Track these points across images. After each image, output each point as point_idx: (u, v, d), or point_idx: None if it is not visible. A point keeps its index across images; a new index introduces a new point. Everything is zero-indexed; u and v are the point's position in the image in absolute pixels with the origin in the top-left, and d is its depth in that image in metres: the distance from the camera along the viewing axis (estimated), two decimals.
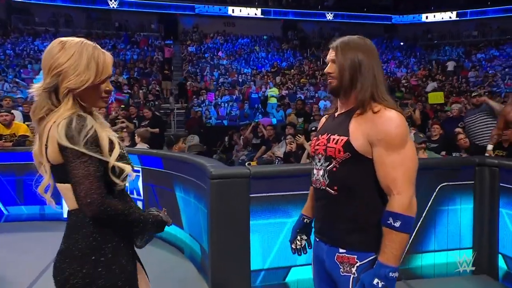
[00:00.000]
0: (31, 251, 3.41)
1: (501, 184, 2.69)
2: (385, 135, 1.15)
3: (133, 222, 1.13)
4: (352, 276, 1.21)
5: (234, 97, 12.60)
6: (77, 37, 1.17)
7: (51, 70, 1.09)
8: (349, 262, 1.22)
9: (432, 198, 2.78)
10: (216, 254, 2.53)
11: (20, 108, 7.44)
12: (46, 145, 1.09)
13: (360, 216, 1.23)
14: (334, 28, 20.56)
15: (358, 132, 1.20)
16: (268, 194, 2.57)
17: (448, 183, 2.77)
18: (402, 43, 20.58)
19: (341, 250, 1.23)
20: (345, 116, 1.27)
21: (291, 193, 2.59)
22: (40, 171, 1.15)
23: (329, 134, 1.28)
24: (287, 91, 13.31)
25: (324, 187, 1.27)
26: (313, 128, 5.10)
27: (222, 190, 2.47)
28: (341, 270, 1.23)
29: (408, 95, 11.49)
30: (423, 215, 2.78)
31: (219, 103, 12.15)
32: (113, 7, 18.48)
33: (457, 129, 4.55)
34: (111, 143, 1.11)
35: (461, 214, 2.87)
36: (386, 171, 1.17)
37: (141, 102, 11.01)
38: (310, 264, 2.61)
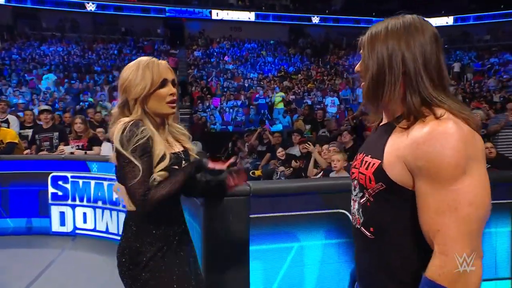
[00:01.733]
0: (11, 271, 3.10)
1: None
2: (428, 162, 0.78)
3: (181, 186, 1.22)
4: None
5: (240, 102, 12.31)
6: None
7: (121, 88, 1.28)
8: None
9: None
10: (210, 284, 2.17)
11: (21, 113, 7.21)
12: (113, 147, 1.24)
13: (398, 267, 0.87)
14: (341, 32, 20.25)
15: (394, 154, 0.83)
16: (271, 215, 2.21)
17: None
18: None
19: None
20: (385, 129, 0.90)
21: (298, 213, 2.23)
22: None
23: (364, 154, 0.94)
24: (294, 96, 12.98)
25: (359, 226, 0.95)
26: (323, 134, 4.75)
27: (217, 210, 2.11)
28: None
29: None
30: None
31: (224, 108, 11.86)
32: (91, 9, 18.09)
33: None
34: (163, 156, 1.22)
35: (497, 238, 2.46)
36: (429, 216, 0.79)
37: None
38: None
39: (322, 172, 3.61)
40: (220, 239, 2.14)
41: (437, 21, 20.85)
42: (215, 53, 17.19)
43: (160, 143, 1.23)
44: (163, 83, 1.27)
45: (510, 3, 18.37)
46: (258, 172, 5.06)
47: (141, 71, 1.25)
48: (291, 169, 4.24)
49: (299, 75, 15.61)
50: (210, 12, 19.57)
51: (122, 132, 1.18)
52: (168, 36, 18.63)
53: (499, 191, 2.44)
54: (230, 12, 19.79)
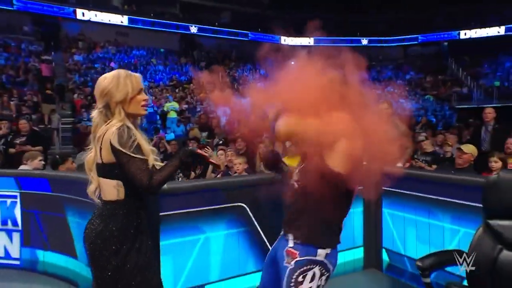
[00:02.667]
0: None
1: (384, 188, 3.14)
2: None
3: (176, 169, 1.52)
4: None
5: None
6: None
7: (102, 94, 1.53)
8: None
9: None
10: None
11: None
12: (100, 147, 1.48)
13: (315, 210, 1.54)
14: (232, 44, 21.34)
15: None
16: (179, 211, 2.46)
17: None
18: None
19: None
20: None
21: (203, 208, 2.54)
22: (90, 177, 1.62)
23: None
24: (187, 105, 13.15)
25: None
26: (221, 142, 5.13)
27: None
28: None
29: None
30: None
31: None
32: None
33: None
34: (151, 151, 1.54)
35: (354, 217, 3.24)
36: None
37: (13, 115, 9.41)
38: (223, 280, 2.62)
39: (221, 174, 3.99)
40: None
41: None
42: (99, 58, 16.07)
43: (144, 140, 1.53)
44: (140, 91, 1.57)
45: None
46: None
47: (122, 79, 1.53)
48: (192, 174, 4.48)
49: (191, 84, 15.87)
50: (75, 12, 17.63)
51: (120, 134, 1.44)
52: (39, 36, 16.49)
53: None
54: (110, 15, 18.56)
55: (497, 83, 16.42)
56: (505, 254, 1.63)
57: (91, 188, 1.61)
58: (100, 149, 1.49)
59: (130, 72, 1.59)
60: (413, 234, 2.95)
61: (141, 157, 1.45)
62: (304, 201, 1.42)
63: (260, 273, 1.75)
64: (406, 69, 21.04)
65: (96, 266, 1.57)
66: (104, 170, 1.51)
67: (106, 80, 1.54)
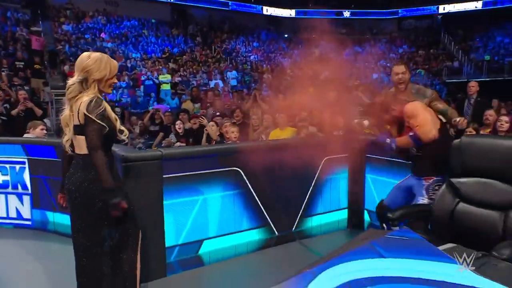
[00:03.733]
0: None
1: (366, 155, 3.42)
2: None
3: (102, 174, 1.78)
4: None
5: (125, 83, 11.83)
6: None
7: (84, 69, 1.86)
8: None
9: (319, 169, 3.35)
10: None
11: None
12: (78, 112, 1.82)
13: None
14: (225, 16, 20.96)
15: None
16: (180, 174, 2.71)
17: (331, 156, 3.37)
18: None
19: None
20: None
21: (201, 172, 2.79)
22: (65, 130, 1.93)
23: None
24: (180, 78, 13.15)
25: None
26: (217, 114, 5.32)
27: (134, 173, 2.50)
28: None
29: None
30: (313, 183, 3.34)
31: None
32: None
33: None
34: (115, 119, 1.90)
35: (340, 182, 3.54)
36: None
37: (5, 84, 9.35)
38: (220, 236, 2.91)
39: (214, 143, 4.22)
40: (138, 197, 2.51)
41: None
42: (89, 29, 15.73)
43: (110, 111, 1.88)
44: (113, 76, 1.94)
45: None
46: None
47: (104, 63, 1.88)
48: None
49: (184, 56, 15.74)
50: None
51: (89, 103, 1.80)
52: (25, 3, 15.95)
53: (341, 147, 3.46)
54: None
55: (487, 57, 16.60)
56: (461, 205, 1.93)
57: (64, 139, 1.94)
58: (78, 113, 1.82)
59: (110, 58, 1.94)
60: None
61: (100, 123, 1.78)
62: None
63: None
64: (400, 42, 21.04)
65: (82, 211, 1.87)
66: (79, 129, 1.83)
67: (90, 59, 1.86)
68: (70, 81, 1.87)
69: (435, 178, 2.40)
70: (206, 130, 4.45)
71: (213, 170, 2.84)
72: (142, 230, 2.53)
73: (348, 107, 5.57)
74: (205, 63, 15.50)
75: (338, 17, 22.06)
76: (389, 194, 2.75)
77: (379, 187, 3.36)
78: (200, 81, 13.46)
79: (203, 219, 2.85)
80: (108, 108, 1.86)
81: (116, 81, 1.97)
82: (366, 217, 3.53)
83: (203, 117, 4.85)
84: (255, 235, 3.08)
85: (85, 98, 1.82)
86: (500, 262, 1.40)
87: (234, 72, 14.24)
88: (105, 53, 2.11)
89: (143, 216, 2.54)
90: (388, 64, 18.00)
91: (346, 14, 22.74)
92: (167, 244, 2.67)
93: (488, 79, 14.23)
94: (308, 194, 3.33)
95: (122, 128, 1.94)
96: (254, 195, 3.03)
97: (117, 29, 16.78)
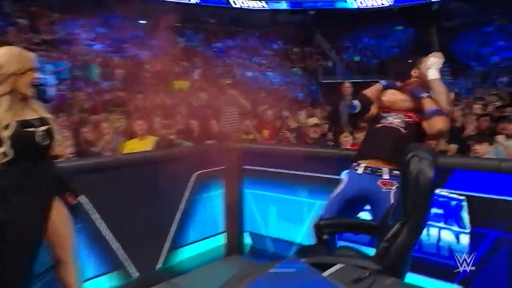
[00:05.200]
0: None
1: (244, 167, 3.50)
2: None
3: None
4: None
5: None
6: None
7: None
8: None
9: (189, 187, 3.26)
10: None
11: None
12: None
13: None
14: None
15: None
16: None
17: (203, 171, 3.32)
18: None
19: None
20: None
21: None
22: None
23: None
24: None
25: None
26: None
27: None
28: None
29: None
30: (181, 206, 3.22)
31: None
32: None
33: None
34: (7, 126, 1.92)
35: (215, 200, 3.52)
36: None
37: None
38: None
39: None
40: None
41: None
42: None
43: (7, 115, 1.92)
44: (30, 69, 2.01)
45: None
46: None
47: (16, 56, 1.98)
48: None
49: None
50: None
51: None
52: None
53: (215, 160, 3.46)
54: None
55: (357, 58, 19.64)
56: None
57: None
58: None
59: (24, 50, 2.06)
60: (274, 212, 3.40)
61: None
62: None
63: None
64: (274, 38, 22.89)
65: None
66: None
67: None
68: None
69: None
70: None
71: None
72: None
73: (222, 109, 5.71)
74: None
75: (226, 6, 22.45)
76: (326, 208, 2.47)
77: (261, 204, 3.46)
78: None
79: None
80: (5, 114, 1.91)
81: (36, 75, 2.04)
82: (247, 240, 3.59)
83: None
84: (104, 284, 2.78)
85: None
86: (386, 279, 1.55)
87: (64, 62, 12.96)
88: None
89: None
90: (264, 61, 19.37)
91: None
92: None
93: (359, 80, 16.81)
94: (176, 219, 3.20)
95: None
96: (102, 229, 2.74)
97: None
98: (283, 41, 22.59)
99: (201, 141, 4.78)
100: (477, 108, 6.63)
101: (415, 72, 2.58)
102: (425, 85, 2.49)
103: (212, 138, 5.12)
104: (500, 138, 4.18)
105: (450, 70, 17.00)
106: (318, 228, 2.02)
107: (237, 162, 3.47)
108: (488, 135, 4.29)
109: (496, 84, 13.67)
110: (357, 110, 2.54)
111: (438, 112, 2.33)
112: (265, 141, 5.27)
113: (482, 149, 3.78)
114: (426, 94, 2.41)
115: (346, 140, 4.15)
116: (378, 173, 2.31)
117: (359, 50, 20.45)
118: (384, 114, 2.48)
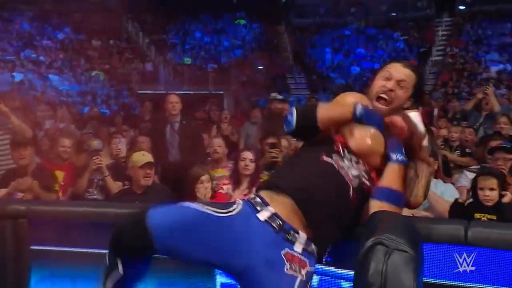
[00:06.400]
0: None
1: (31, 247, 2.93)
2: None
3: None
4: None
5: None
6: None
7: None
8: None
9: None
10: None
11: None
12: None
13: None
14: None
15: None
16: None
17: None
18: None
19: None
20: None
21: None
22: None
23: None
24: None
25: None
26: None
27: None
28: None
29: None
30: None
31: None
32: None
33: None
34: None
35: None
36: None
37: None
38: None
39: None
40: None
41: None
42: None
43: None
44: None
45: None
46: None
47: None
48: None
49: None
50: None
51: None
52: None
53: None
54: None
55: (187, 61, 19.92)
56: None
57: None
58: None
59: None
60: None
61: None
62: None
63: None
64: (57, 23, 21.44)
65: None
66: None
67: None
68: None
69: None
70: None
71: None
72: None
73: None
74: None
75: None
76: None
77: None
78: None
79: None
80: None
81: None
82: None
83: None
84: None
85: None
86: None
87: None
88: None
89: None
90: (43, 58, 17.94)
91: None
92: None
93: (191, 92, 16.92)
94: None
95: None
96: None
97: None
98: (72, 29, 21.37)
99: None
100: None
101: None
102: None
103: None
104: None
105: (308, 83, 18.67)
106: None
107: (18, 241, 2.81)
108: None
109: None
110: (292, 128, 2.06)
111: (390, 199, 1.98)
112: (59, 194, 4.64)
113: None
114: (404, 161, 2.06)
115: (201, 187, 3.84)
116: (289, 238, 1.91)
117: (190, 50, 20.89)
118: (339, 152, 2.02)
